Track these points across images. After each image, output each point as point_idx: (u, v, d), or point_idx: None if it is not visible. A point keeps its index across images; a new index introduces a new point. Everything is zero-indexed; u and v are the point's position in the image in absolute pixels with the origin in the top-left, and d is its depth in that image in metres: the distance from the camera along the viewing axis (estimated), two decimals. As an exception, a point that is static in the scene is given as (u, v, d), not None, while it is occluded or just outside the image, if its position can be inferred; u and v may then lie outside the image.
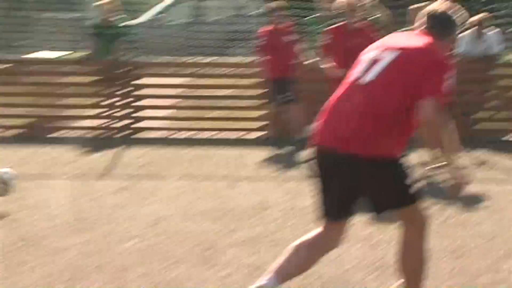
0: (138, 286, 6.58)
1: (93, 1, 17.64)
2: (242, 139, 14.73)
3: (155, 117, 15.48)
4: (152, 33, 21.48)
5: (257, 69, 14.54)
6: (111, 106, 15.42)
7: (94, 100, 15.61)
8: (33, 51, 21.89)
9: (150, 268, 7.05)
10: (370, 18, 12.58)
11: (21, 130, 15.41)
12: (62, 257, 7.39)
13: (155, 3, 25.09)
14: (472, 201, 9.21)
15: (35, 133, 15.18)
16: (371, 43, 6.08)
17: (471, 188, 6.78)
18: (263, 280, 5.54)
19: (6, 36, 25.79)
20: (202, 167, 12.41)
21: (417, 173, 5.48)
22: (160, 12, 24.10)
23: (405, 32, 6.50)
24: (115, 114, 15.42)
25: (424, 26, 5.90)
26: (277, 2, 13.76)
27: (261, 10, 20.13)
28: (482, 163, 11.92)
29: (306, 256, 5.60)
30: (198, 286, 6.56)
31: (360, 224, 7.60)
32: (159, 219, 8.85)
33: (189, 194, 10.30)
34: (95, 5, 16.40)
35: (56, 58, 19.61)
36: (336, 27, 12.12)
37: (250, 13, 24.42)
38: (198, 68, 16.35)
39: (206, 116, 15.44)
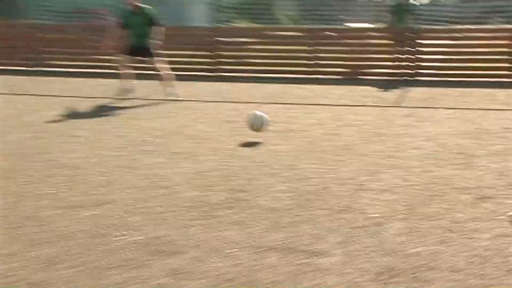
0: (419, 179, 6.49)
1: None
2: (495, 82, 14.24)
3: (431, 67, 15.26)
4: (430, 10, 20.91)
5: (507, 33, 14.22)
6: (400, 59, 15.33)
7: (389, 55, 15.56)
8: (350, 23, 22.17)
9: (426, 168, 6.89)
10: None
11: (341, 75, 15.50)
12: (365, 159, 7.34)
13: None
14: None
15: (351, 76, 15.29)
16: None
17: None
18: None
19: (331, 13, 26.13)
20: (464, 101, 12.03)
21: None
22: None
23: None
24: (403, 64, 15.31)
25: None
26: None
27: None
28: None
29: None
30: (461, 181, 6.39)
31: None
32: (432, 136, 8.63)
33: (454, 119, 9.99)
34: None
35: (365, 28, 19.71)
36: None
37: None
38: (461, 34, 15.94)
39: (468, 66, 15.08)
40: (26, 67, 16.13)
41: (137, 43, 12.06)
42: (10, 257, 4.42)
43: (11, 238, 4.78)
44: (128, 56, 12.07)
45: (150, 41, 12.08)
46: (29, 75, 15.41)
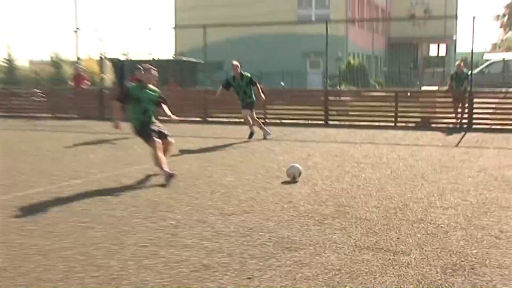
0: (474, 200, 6.17)
1: (453, 62, 17.12)
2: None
3: (482, 118, 14.59)
4: (480, 77, 19.99)
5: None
6: (460, 112, 14.81)
7: (451, 109, 15.06)
8: (423, 86, 21.58)
9: (479, 191, 6.57)
10: None
11: (415, 123, 15.05)
12: (434, 184, 7.06)
13: (482, 63, 23.62)
14: None
15: (423, 125, 14.83)
16: None
17: None
18: None
19: (409, 79, 25.61)
20: (507, 143, 11.38)
21: None
22: (484, 68, 22.54)
23: None
24: (462, 116, 14.76)
25: None
26: None
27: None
28: None
29: None
30: (506, 202, 6.00)
31: None
32: (483, 168, 8.22)
33: (500, 156, 9.48)
34: (456, 63, 15.74)
35: (434, 90, 19.12)
36: None
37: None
38: (504, 94, 15.15)
39: (509, 117, 14.28)
40: (199, 117, 16.67)
41: (242, 100, 12.13)
42: (185, 247, 4.55)
43: (189, 234, 4.93)
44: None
45: (251, 97, 12.04)
46: (200, 124, 15.93)
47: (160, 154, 7.38)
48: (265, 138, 12.16)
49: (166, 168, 7.24)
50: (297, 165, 7.49)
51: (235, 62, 12.14)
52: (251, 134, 12.15)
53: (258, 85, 12.17)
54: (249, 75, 12.16)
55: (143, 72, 8.03)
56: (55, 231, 5.04)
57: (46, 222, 5.35)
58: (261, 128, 12.35)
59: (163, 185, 7.03)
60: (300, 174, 7.38)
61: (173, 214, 5.61)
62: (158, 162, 7.36)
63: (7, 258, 4.33)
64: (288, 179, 7.37)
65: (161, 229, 5.09)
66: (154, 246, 4.59)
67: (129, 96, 7.66)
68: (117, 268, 4.08)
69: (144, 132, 7.58)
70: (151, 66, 7.98)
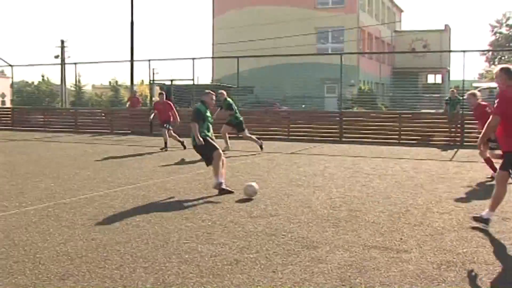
0: (465, 206, 6.03)
1: (448, 89, 16.86)
2: None
3: (472, 136, 14.17)
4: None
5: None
6: (453, 131, 14.64)
7: (446, 129, 14.82)
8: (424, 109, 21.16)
9: (469, 198, 6.45)
10: None
11: (416, 141, 14.76)
12: (431, 193, 6.92)
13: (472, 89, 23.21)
14: None
15: (423, 142, 14.59)
16: None
17: None
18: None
19: (411, 102, 25.21)
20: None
21: None
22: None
23: None
24: (455, 135, 14.57)
25: None
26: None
27: None
28: None
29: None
30: None
31: None
32: (473, 179, 8.09)
33: (487, 169, 9.13)
34: (450, 90, 15.52)
35: (432, 112, 18.76)
36: None
37: None
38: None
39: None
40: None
41: (231, 119, 12.41)
42: (220, 244, 4.56)
43: (223, 233, 4.92)
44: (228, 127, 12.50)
45: (238, 119, 12.23)
46: (233, 140, 15.80)
47: (220, 163, 7.12)
48: (226, 148, 12.08)
49: (219, 178, 7.03)
50: (254, 185, 6.77)
51: (220, 91, 12.45)
52: (261, 147, 12.27)
53: (219, 109, 12.36)
54: (229, 101, 12.39)
55: (204, 95, 7.58)
56: (111, 227, 5.10)
57: (104, 219, 5.42)
58: (226, 141, 12.44)
59: (202, 191, 7.07)
60: (255, 193, 6.65)
61: (209, 216, 5.62)
62: (216, 169, 7.07)
63: (74, 248, 4.41)
64: (307, 189, 7.32)
65: (199, 228, 5.10)
66: (193, 242, 4.60)
67: (200, 114, 7.32)
68: (163, 260, 4.10)
69: (208, 144, 7.23)
70: (210, 91, 7.66)
